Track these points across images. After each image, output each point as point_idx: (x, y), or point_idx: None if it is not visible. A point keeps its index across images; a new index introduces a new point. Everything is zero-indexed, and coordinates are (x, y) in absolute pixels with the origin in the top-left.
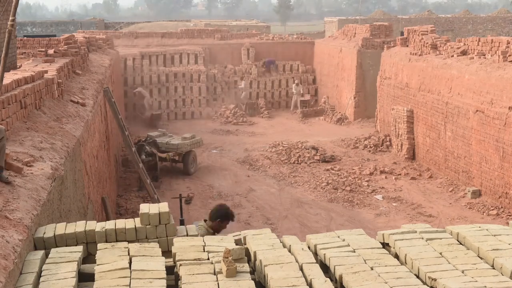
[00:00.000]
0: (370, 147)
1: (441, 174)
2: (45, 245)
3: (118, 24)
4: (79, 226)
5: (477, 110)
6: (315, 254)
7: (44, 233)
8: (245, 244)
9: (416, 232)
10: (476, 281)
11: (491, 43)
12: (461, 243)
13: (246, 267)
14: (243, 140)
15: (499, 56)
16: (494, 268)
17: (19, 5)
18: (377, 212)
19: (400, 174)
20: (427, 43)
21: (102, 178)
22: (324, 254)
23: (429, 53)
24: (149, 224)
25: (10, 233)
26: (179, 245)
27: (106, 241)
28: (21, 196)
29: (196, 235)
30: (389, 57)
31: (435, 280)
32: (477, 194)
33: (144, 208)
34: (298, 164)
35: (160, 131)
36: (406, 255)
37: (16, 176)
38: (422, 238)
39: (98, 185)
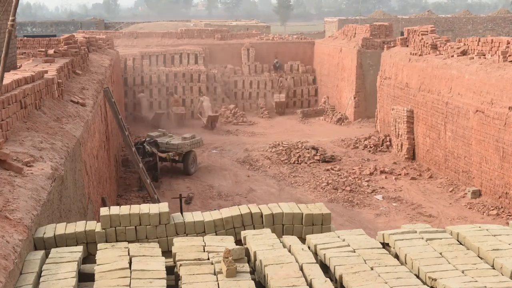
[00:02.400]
0: (370, 147)
1: (441, 174)
2: (45, 245)
3: (118, 24)
4: (79, 226)
5: (477, 110)
6: (315, 254)
7: (44, 233)
8: (245, 244)
9: (416, 232)
10: (476, 281)
11: (491, 43)
12: (461, 243)
13: (246, 267)
14: (243, 140)
15: (499, 56)
16: (494, 268)
17: (19, 5)
18: (377, 212)
19: (400, 174)
20: (427, 43)
21: (102, 178)
22: (324, 254)
23: (429, 53)
24: (149, 224)
25: (10, 233)
26: (179, 245)
27: (106, 241)
28: (21, 196)
29: None
30: (389, 57)
31: (435, 280)
32: (477, 194)
33: (144, 208)
34: (298, 164)
35: (160, 131)
36: (406, 255)
37: (16, 176)
38: (422, 238)
39: (98, 185)
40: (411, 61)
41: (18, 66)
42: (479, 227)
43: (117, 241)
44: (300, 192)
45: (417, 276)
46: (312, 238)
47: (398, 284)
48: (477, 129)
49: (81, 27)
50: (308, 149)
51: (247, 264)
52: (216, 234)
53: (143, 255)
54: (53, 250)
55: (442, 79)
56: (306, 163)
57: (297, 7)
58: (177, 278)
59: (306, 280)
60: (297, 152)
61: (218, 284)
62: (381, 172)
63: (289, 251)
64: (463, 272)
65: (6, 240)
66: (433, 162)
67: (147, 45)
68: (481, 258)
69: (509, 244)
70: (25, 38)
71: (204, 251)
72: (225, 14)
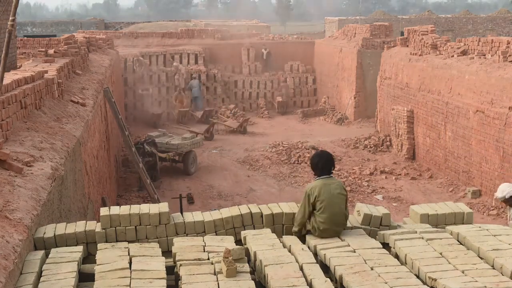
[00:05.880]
0: (370, 147)
1: (441, 174)
2: (45, 245)
3: (118, 24)
4: (79, 226)
5: (477, 110)
6: (315, 254)
7: (44, 233)
8: (245, 244)
9: (416, 232)
10: (476, 281)
11: (491, 43)
12: (461, 243)
13: (246, 267)
14: (243, 140)
15: (499, 56)
16: (494, 268)
17: (19, 5)
18: None
19: (400, 174)
20: (427, 43)
21: (102, 178)
22: (324, 254)
23: (429, 53)
24: (149, 224)
25: (10, 233)
26: (179, 245)
27: (106, 241)
28: (21, 196)
29: None
30: (389, 57)
31: (435, 280)
32: (477, 194)
33: (144, 208)
34: (298, 164)
35: (160, 131)
36: (406, 255)
37: (16, 176)
38: (422, 238)
39: (98, 185)
40: (411, 61)
41: (18, 66)
42: (479, 227)
43: (117, 241)
44: (300, 192)
45: (417, 276)
46: (312, 238)
47: (398, 284)
48: (477, 129)
49: (81, 27)
50: (308, 149)
51: (247, 264)
52: (216, 234)
53: (143, 255)
54: (53, 250)
55: (442, 79)
56: (306, 163)
57: (297, 7)
58: (177, 278)
59: (306, 280)
60: (297, 152)
61: (218, 284)
62: (381, 172)
63: (289, 251)
64: (463, 272)
65: (6, 240)
66: (433, 162)
67: (147, 45)
68: (481, 258)
69: (509, 244)
70: (25, 38)
71: (204, 251)
72: (225, 14)
